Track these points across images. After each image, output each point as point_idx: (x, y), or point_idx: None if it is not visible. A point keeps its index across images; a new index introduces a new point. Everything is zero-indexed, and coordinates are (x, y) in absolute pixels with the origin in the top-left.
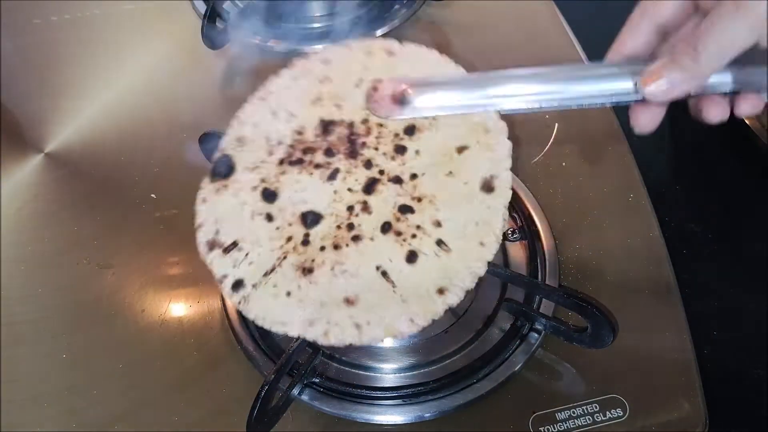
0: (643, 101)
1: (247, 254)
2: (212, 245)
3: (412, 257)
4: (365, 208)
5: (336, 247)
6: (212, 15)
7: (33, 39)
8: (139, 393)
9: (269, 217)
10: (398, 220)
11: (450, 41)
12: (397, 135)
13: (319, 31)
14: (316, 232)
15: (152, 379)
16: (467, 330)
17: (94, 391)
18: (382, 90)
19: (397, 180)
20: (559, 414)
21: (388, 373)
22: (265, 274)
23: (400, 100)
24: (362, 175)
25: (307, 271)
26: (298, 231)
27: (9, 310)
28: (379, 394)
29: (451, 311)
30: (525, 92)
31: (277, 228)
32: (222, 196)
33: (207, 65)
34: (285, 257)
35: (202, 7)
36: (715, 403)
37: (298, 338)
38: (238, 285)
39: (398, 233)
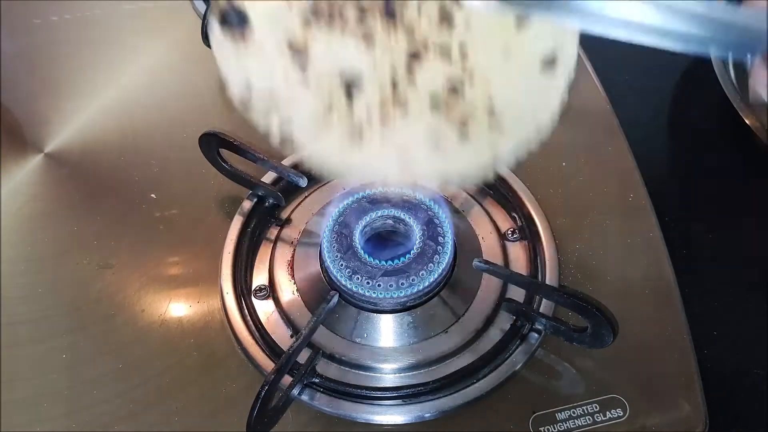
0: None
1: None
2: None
3: (463, 129)
4: (411, 82)
5: (382, 118)
6: None
7: (33, 39)
8: (139, 393)
9: (306, 83)
10: (448, 95)
11: None
12: None
13: None
14: (360, 102)
15: (152, 379)
16: (467, 330)
17: (94, 391)
18: None
19: (445, 54)
20: (559, 414)
21: (388, 373)
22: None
23: None
24: (404, 44)
25: (355, 135)
26: (339, 98)
27: (9, 310)
28: (379, 394)
29: (451, 311)
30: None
31: (316, 94)
32: (246, 49)
33: (207, 65)
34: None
35: (202, 7)
36: (715, 403)
37: (298, 338)
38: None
39: (448, 105)
